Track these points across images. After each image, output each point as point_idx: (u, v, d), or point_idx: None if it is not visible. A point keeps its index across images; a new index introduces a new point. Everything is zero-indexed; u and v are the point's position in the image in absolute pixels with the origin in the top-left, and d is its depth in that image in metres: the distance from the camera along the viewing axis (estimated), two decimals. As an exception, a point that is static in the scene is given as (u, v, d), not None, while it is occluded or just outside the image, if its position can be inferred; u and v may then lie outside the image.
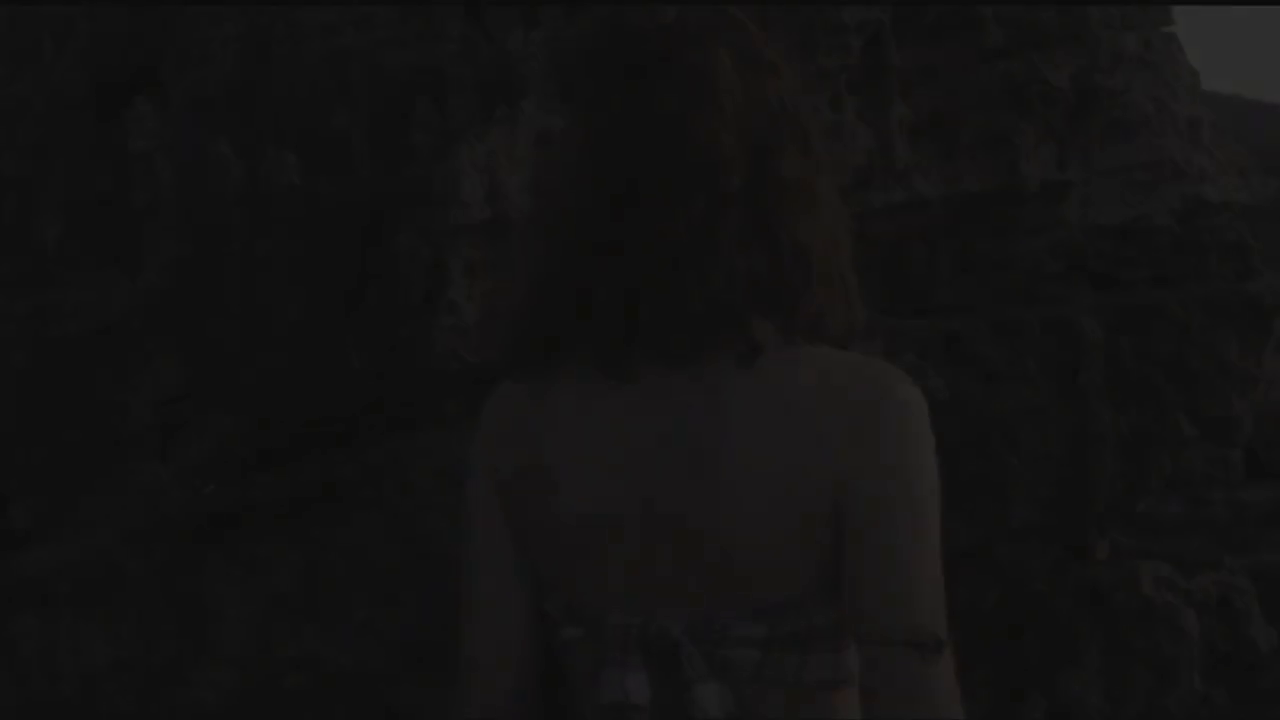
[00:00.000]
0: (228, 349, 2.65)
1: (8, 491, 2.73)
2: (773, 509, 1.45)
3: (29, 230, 3.05)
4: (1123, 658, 3.21)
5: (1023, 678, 3.20)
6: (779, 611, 1.47)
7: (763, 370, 1.47)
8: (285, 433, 2.64)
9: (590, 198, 1.50)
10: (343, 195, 2.73)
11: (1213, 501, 3.96)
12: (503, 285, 2.56)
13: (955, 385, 2.73)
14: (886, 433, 1.44)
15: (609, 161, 1.49)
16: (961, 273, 3.06)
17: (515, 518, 1.61)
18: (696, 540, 1.47)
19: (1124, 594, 3.20)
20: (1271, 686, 3.29)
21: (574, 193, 1.52)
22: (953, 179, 2.99)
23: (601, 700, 1.49)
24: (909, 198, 2.91)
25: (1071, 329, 2.83)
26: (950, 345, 2.83)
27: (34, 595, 2.59)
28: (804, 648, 1.47)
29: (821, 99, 2.78)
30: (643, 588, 1.51)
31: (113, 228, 3.02)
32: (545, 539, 1.58)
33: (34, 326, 2.86)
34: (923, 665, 1.40)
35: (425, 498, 2.61)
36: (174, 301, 2.76)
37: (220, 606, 2.60)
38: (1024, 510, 2.81)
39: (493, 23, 3.11)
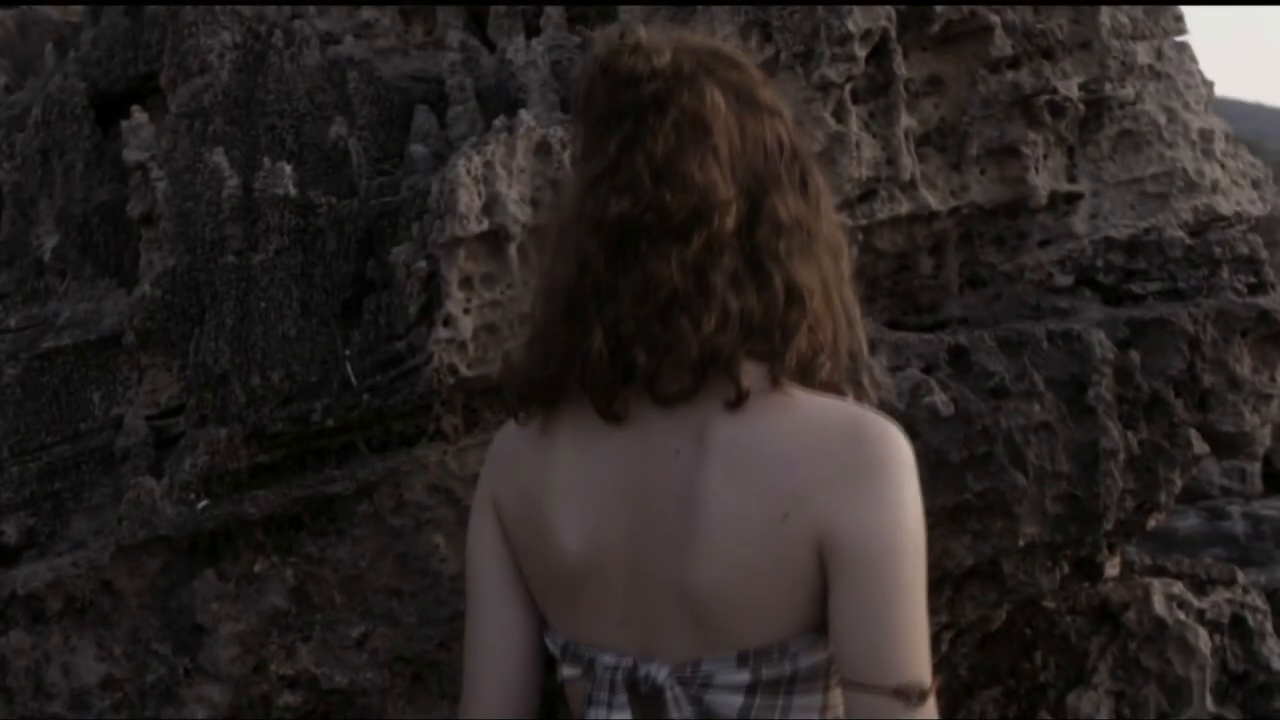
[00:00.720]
0: (222, 362, 2.62)
1: (-1, 506, 2.71)
2: (755, 557, 1.42)
3: (26, 241, 3.04)
4: (1134, 677, 3.17)
5: (1032, 697, 3.16)
6: (763, 656, 1.44)
7: (748, 416, 1.44)
8: (280, 447, 2.61)
9: (587, 243, 1.47)
10: (340, 206, 2.70)
11: (1227, 518, 3.92)
12: (500, 299, 2.53)
13: (961, 400, 2.68)
14: (867, 483, 1.42)
15: (603, 207, 1.46)
16: (969, 285, 3.02)
17: (518, 556, 1.59)
18: (681, 586, 1.45)
19: (1135, 612, 3.16)
20: (1285, 707, 3.25)
21: (571, 237, 1.50)
22: (960, 190, 2.95)
23: (588, 740, 1.47)
24: (915, 209, 2.87)
25: (1080, 343, 2.78)
26: (956, 359, 2.78)
27: (25, 612, 2.56)
28: (789, 690, 1.45)
29: (826, 110, 2.74)
30: (631, 630, 1.49)
31: (109, 239, 3.00)
32: (544, 578, 1.56)
33: (28, 339, 2.84)
34: (906, 712, 1.37)
35: (421, 513, 2.59)
36: (168, 314, 2.74)
37: (213, 623, 2.57)
38: (1032, 527, 2.76)
39: (494, 31, 3.09)
